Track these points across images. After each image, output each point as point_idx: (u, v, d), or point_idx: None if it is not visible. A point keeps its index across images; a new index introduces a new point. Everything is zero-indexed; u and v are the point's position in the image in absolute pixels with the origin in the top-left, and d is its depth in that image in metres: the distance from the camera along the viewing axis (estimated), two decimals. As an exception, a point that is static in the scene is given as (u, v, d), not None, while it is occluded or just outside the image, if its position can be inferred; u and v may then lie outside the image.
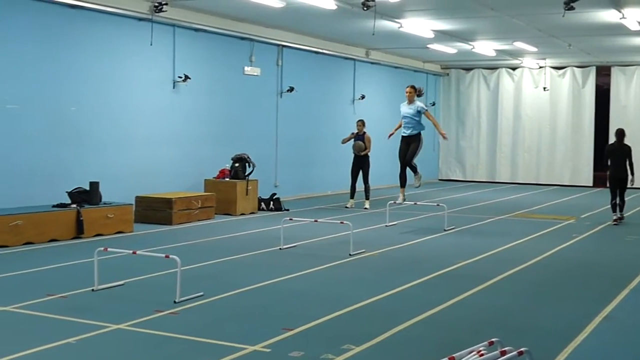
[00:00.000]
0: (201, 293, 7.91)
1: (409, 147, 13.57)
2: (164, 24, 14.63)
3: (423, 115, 13.84)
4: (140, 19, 13.99)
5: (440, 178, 27.07)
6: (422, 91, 14.00)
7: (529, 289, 8.74)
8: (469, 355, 4.20)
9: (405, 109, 13.70)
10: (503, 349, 4.05)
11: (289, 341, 6.29)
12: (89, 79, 13.42)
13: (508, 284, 8.98)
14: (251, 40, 17.13)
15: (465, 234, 13.13)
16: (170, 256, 7.82)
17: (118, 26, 13.84)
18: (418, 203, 15.27)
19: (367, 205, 16.80)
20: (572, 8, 12.00)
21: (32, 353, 5.83)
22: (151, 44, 14.10)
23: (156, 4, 13.06)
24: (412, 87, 13.83)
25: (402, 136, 13.82)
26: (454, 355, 4.29)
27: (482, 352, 4.19)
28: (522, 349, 4.19)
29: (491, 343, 4.07)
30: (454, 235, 12.97)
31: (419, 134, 13.66)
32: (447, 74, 26.89)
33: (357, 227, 13.33)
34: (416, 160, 13.95)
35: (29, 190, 12.31)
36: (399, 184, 14.31)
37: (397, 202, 14.16)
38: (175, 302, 7.51)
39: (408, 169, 13.90)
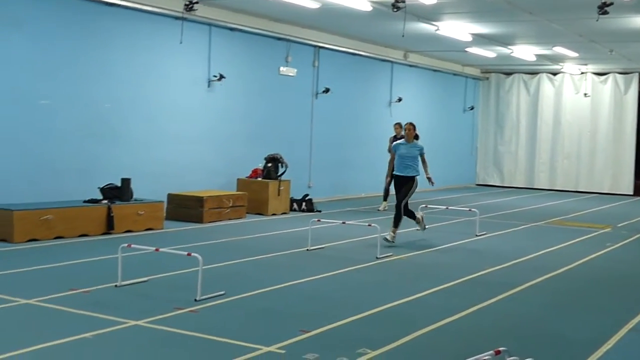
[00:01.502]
0: (223, 292, 7.90)
1: (402, 188, 12.06)
2: (200, 22, 14.70)
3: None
4: (176, 18, 14.06)
5: (477, 183, 26.83)
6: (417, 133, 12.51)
7: (555, 298, 8.59)
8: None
9: (405, 149, 12.16)
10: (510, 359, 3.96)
11: (304, 343, 6.25)
12: (124, 76, 13.53)
13: (534, 292, 8.83)
14: (288, 40, 17.13)
15: (497, 240, 12.97)
16: (192, 254, 7.82)
17: (154, 24, 13.92)
18: (450, 208, 15.10)
19: (400, 209, 16.65)
20: (605, 12, 11.80)
21: (46, 347, 5.87)
22: (181, 42, 14.14)
23: (187, 3, 13.11)
24: (413, 125, 12.36)
25: (396, 175, 12.19)
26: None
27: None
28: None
29: (498, 352, 3.99)
30: (484, 241, 12.81)
31: (415, 178, 12.16)
32: (487, 78, 26.63)
33: (388, 230, 13.26)
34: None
35: (61, 185, 12.45)
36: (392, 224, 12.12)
37: (386, 238, 11.68)
38: (195, 300, 7.52)
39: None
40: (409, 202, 12.20)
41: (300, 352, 5.96)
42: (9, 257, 9.70)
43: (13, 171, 11.80)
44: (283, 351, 5.99)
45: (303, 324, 6.80)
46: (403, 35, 15.92)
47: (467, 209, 14.57)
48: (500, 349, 3.99)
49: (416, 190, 12.25)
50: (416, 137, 12.44)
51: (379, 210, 16.71)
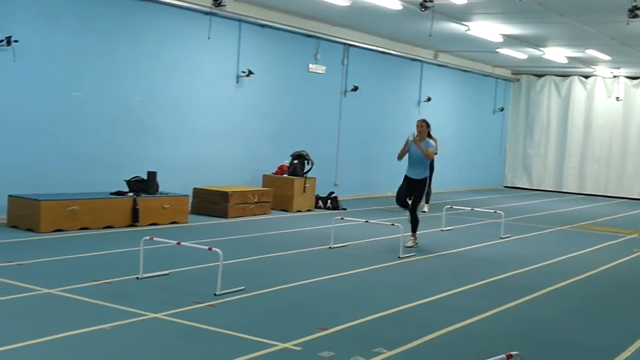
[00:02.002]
0: (242, 287, 7.94)
1: (412, 190, 11.59)
2: (230, 18, 14.76)
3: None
4: (206, 13, 14.11)
5: (505, 185, 26.65)
6: (430, 130, 11.95)
7: (576, 303, 8.52)
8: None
9: (417, 148, 11.54)
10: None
11: (321, 341, 6.26)
12: (154, 70, 13.63)
13: (556, 296, 8.77)
14: (317, 38, 17.13)
15: (521, 243, 12.88)
16: (213, 249, 7.86)
17: (184, 19, 14.00)
18: (475, 209, 15.01)
19: (425, 209, 16.61)
20: (636, 16, 11.67)
21: (65, 336, 5.94)
22: (209, 38, 14.17)
23: (214, -1, 13.18)
24: (425, 121, 11.78)
25: (407, 176, 11.72)
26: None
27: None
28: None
29: (509, 356, 3.96)
30: (509, 244, 12.73)
31: (426, 179, 11.70)
32: (518, 80, 26.43)
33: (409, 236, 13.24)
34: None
35: (89, 176, 12.57)
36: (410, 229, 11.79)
37: (409, 246, 11.41)
38: (215, 294, 7.56)
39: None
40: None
41: (317, 350, 5.97)
42: (35, 247, 9.83)
43: (43, 162, 11.94)
44: (299, 348, 6.01)
45: (321, 321, 6.81)
46: (430, 35, 15.87)
47: (493, 210, 14.47)
48: (513, 353, 3.96)
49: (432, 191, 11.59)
50: (429, 135, 11.90)
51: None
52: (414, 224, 11.68)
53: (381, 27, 17.44)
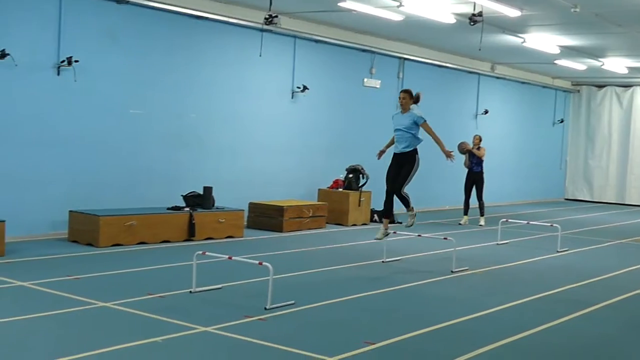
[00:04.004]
0: (292, 301, 8.02)
1: (401, 169, 10.47)
2: (285, 35, 14.94)
3: (421, 128, 10.58)
4: (261, 30, 14.31)
5: (566, 197, 26.25)
6: (419, 96, 10.63)
7: (632, 319, 8.37)
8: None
9: (398, 119, 10.52)
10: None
11: (368, 355, 6.30)
12: (209, 87, 13.88)
13: (611, 311, 8.63)
14: (372, 52, 17.21)
15: (578, 257, 12.69)
16: (264, 263, 7.97)
17: (240, 36, 14.23)
18: (531, 222, 14.85)
19: (481, 222, 16.52)
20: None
21: (117, 349, 6.10)
22: (260, 55, 14.38)
23: (266, 17, 13.34)
24: (407, 91, 10.53)
25: (394, 153, 10.63)
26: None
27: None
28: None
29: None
30: (565, 257, 12.56)
31: (415, 151, 10.55)
32: (578, 91, 26.05)
33: (467, 244, 13.22)
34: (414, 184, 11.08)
35: (146, 192, 12.86)
36: (382, 215, 11.18)
37: (376, 237, 10.75)
38: (265, 308, 7.66)
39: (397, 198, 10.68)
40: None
41: (362, 364, 6.02)
42: (93, 261, 10.09)
43: (103, 178, 12.29)
44: (345, 362, 6.07)
45: (369, 336, 6.85)
46: (480, 49, 15.79)
47: (549, 224, 14.30)
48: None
49: (417, 171, 10.65)
50: (416, 100, 10.60)
51: (460, 224, 16.56)
52: (404, 201, 10.53)
53: (435, 40, 17.44)
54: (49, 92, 11.55)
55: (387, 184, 10.67)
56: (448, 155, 10.68)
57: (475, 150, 16.55)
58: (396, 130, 10.51)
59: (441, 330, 7.30)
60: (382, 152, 11.37)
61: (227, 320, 7.16)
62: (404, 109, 10.49)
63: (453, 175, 19.80)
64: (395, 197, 10.71)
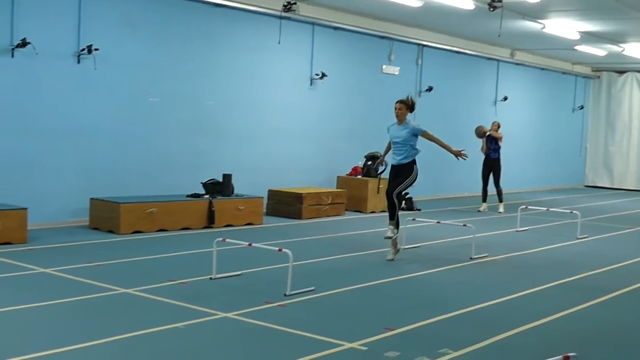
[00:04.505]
0: (312, 288, 8.07)
1: (396, 180, 10.23)
2: (303, 22, 14.94)
3: (419, 138, 10.31)
4: (279, 17, 14.32)
5: (586, 184, 26.11)
6: (414, 105, 10.35)
7: (652, 305, 8.37)
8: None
9: (395, 131, 10.25)
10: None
11: (387, 341, 6.33)
12: (228, 74, 13.92)
13: (630, 298, 8.61)
14: (390, 39, 17.17)
15: (598, 244, 12.66)
16: (283, 250, 8.02)
17: (258, 23, 14.23)
18: (551, 209, 14.79)
19: (501, 209, 16.48)
20: None
21: (139, 335, 6.18)
22: (279, 42, 14.40)
23: (285, 3, 13.35)
24: (403, 102, 10.18)
25: (392, 165, 10.37)
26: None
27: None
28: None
29: (567, 357, 3.97)
30: (585, 244, 12.53)
31: (413, 162, 10.24)
32: (598, 77, 25.85)
33: (487, 231, 13.20)
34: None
35: (166, 179, 12.95)
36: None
37: (387, 235, 10.37)
38: (285, 295, 7.71)
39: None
40: (401, 194, 10.46)
41: (382, 350, 6.04)
42: (115, 248, 10.18)
43: (123, 165, 12.38)
44: (365, 348, 6.10)
45: (388, 322, 6.89)
46: (499, 35, 15.70)
47: (569, 211, 14.24)
48: (570, 354, 3.97)
49: (415, 181, 10.39)
50: (412, 109, 10.28)
51: (479, 211, 16.54)
52: (393, 208, 10.30)
53: (454, 26, 17.37)
54: (70, 80, 11.63)
55: (386, 195, 10.45)
56: (458, 154, 10.39)
57: (493, 132, 16.49)
58: (394, 142, 10.32)
59: (460, 316, 7.33)
60: (381, 161, 11.36)
61: (248, 307, 7.21)
62: (400, 120, 10.27)
63: (471, 162, 19.74)
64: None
